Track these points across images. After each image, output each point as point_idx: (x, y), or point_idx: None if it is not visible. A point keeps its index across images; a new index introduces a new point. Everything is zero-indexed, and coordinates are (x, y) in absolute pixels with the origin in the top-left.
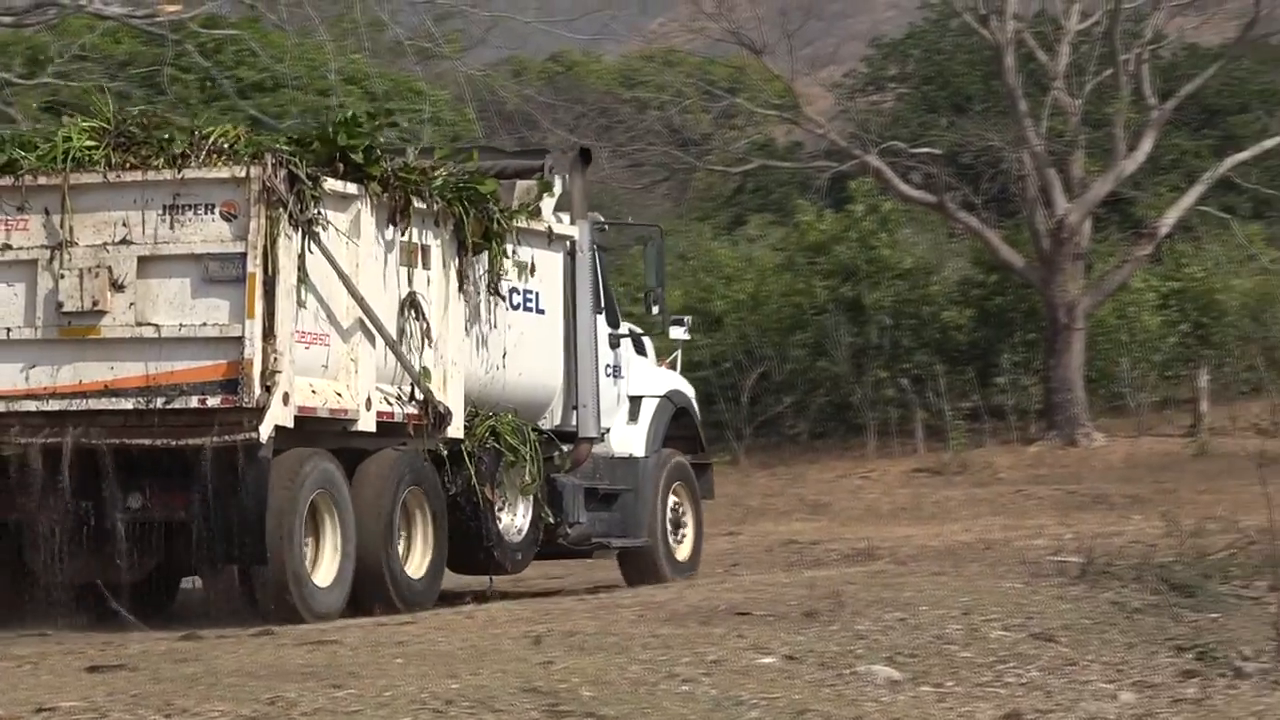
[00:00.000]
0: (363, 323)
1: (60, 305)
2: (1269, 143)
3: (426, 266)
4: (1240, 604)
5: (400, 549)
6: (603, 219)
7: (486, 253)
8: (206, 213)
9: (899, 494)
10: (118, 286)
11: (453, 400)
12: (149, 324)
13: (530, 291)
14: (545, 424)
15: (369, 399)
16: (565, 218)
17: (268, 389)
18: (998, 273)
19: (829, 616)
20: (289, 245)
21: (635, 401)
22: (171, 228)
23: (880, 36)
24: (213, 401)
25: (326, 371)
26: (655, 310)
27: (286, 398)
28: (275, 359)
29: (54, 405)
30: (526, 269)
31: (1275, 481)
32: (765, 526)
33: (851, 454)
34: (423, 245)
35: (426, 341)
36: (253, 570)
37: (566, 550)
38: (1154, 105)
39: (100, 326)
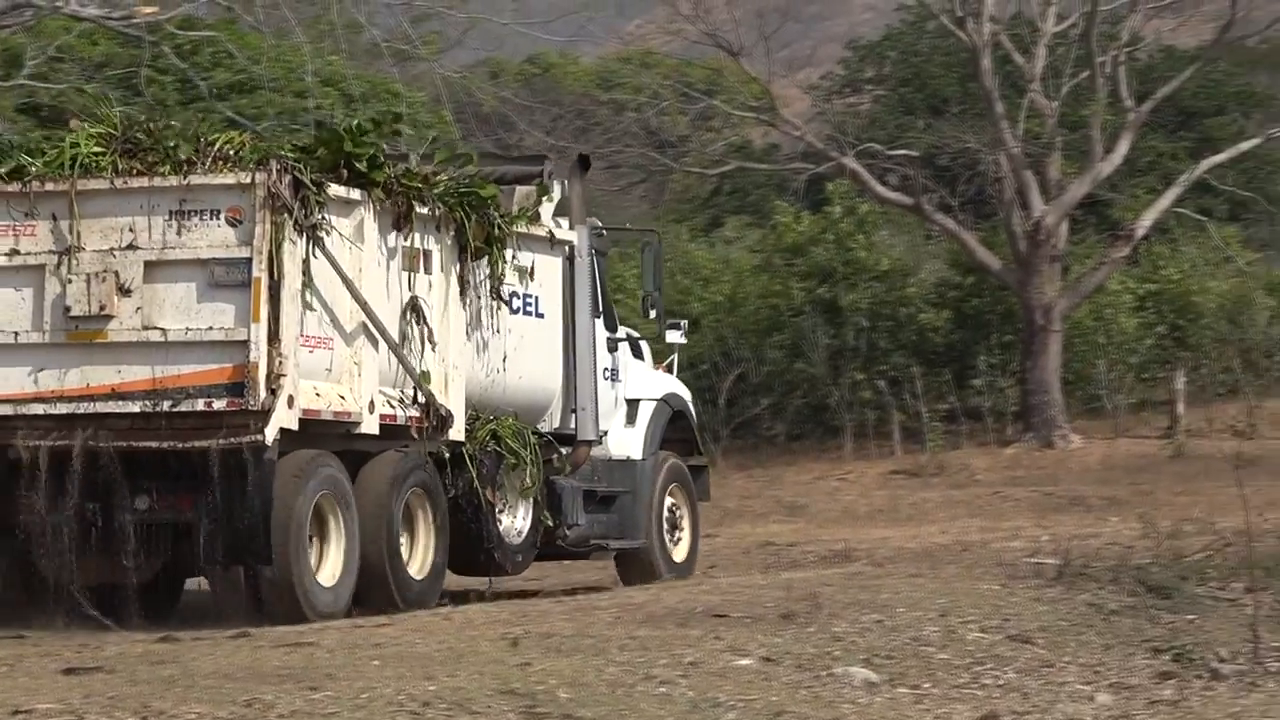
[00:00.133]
0: (366, 327)
1: (68, 309)
2: (1245, 145)
3: (428, 271)
4: (1217, 606)
5: (403, 550)
6: (601, 224)
7: (487, 257)
8: (212, 218)
9: (876, 496)
10: (124, 291)
11: (454, 403)
12: (155, 328)
13: (530, 296)
14: (544, 427)
15: (372, 402)
16: (564, 223)
17: (273, 392)
18: (974, 274)
19: (806, 618)
20: (294, 250)
21: (633, 405)
22: (178, 233)
23: (857, 39)
24: (219, 404)
25: (330, 375)
26: (652, 314)
27: (291, 400)
28: (280, 362)
29: (62, 408)
30: (526, 274)
31: (1251, 483)
32: (742, 528)
33: (828, 456)
34: (424, 250)
35: (428, 345)
36: (258, 570)
37: (565, 552)
38: (1131, 107)
39: (107, 330)
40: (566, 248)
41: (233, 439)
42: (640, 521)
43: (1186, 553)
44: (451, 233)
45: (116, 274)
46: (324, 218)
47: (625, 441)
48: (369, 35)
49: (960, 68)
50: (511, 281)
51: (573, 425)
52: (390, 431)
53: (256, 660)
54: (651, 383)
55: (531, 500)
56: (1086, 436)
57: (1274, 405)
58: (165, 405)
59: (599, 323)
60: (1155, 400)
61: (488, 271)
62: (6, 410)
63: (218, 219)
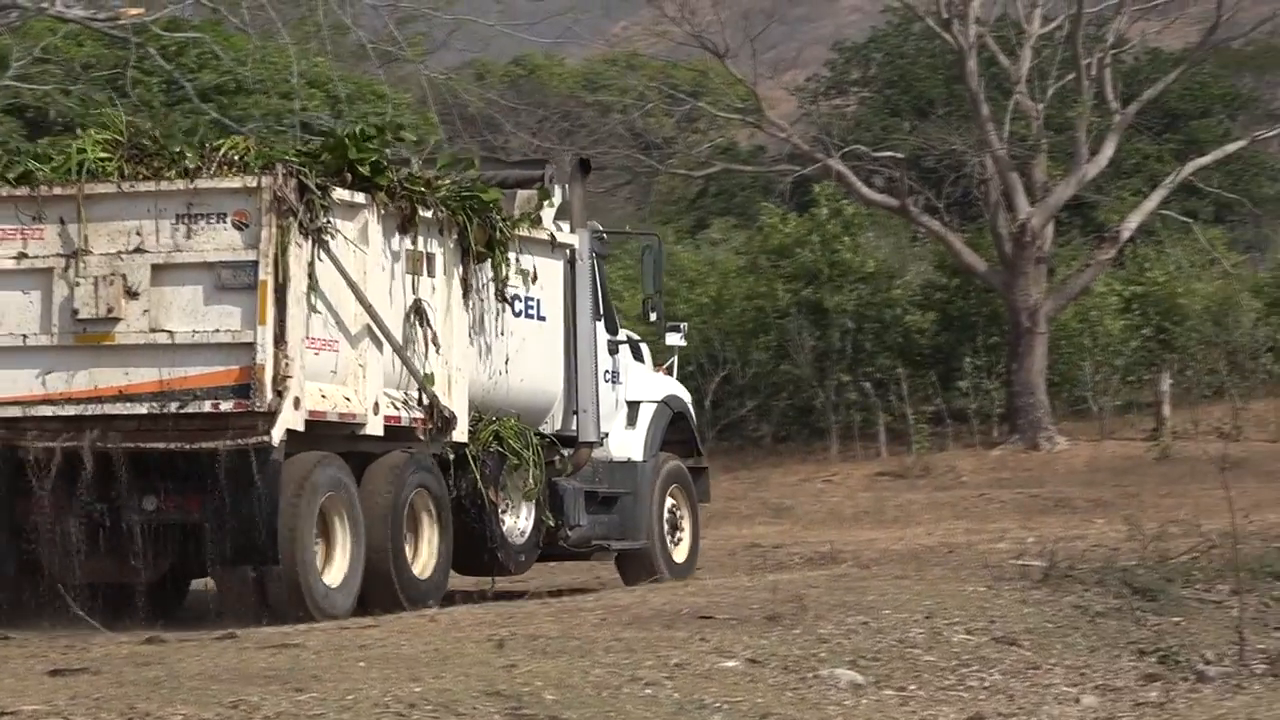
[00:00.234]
0: (370, 329)
1: (76, 312)
2: (1231, 147)
3: (431, 274)
4: (1203, 608)
5: (407, 550)
6: (601, 227)
7: (490, 261)
8: (219, 222)
9: (862, 497)
10: (132, 294)
11: (457, 405)
12: (163, 330)
13: (532, 299)
14: (546, 428)
15: (377, 404)
16: (565, 226)
17: (279, 394)
18: (960, 276)
19: (792, 620)
20: (299, 253)
21: (633, 406)
22: (185, 236)
23: (843, 40)
24: (226, 406)
25: (335, 377)
26: (653, 317)
27: (297, 402)
28: (286, 364)
29: (70, 410)
30: (528, 277)
31: (1237, 485)
32: (728, 530)
33: (814, 457)
34: (428, 253)
35: (432, 347)
36: (265, 570)
37: (567, 552)
38: (1116, 109)
39: (115, 333)
40: (568, 251)
41: (239, 440)
42: (641, 522)
43: (1172, 555)
44: (454, 236)
45: (124, 277)
46: (329, 221)
47: (626, 443)
48: (355, 37)
49: (946, 69)
50: (514, 284)
51: (574, 427)
52: (394, 433)
53: (242, 662)
54: (652, 385)
55: (534, 501)
56: (1072, 438)
57: (1259, 407)
58: (172, 407)
59: (600, 325)
60: (1141, 402)
61: (490, 275)
62: (15, 412)
63: (224, 223)
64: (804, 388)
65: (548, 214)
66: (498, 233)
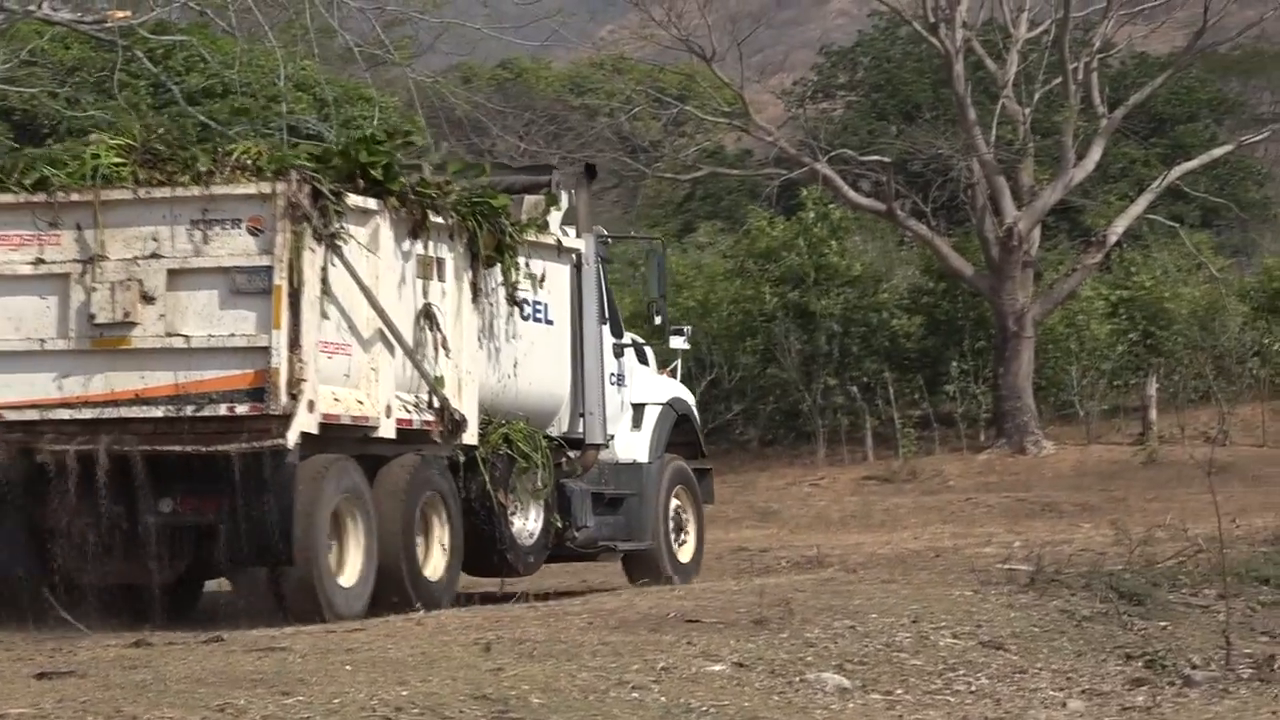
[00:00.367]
0: (382, 333)
1: (92, 317)
2: (1217, 151)
3: (442, 279)
4: (1189, 612)
5: (419, 552)
6: (606, 232)
7: (498, 265)
8: (233, 227)
9: (848, 501)
10: (148, 299)
11: (467, 408)
12: (179, 335)
13: (540, 303)
14: (553, 431)
15: (389, 407)
16: (571, 231)
17: (294, 397)
18: (947, 280)
19: (779, 624)
20: (313, 258)
21: (638, 409)
22: (201, 242)
23: (830, 44)
24: (241, 409)
25: (348, 380)
26: (658, 320)
27: (311, 405)
28: (300, 368)
29: (87, 413)
30: (536, 281)
31: (1224, 489)
32: (715, 534)
33: (801, 461)
34: (438, 258)
35: (442, 351)
36: (280, 571)
37: (574, 553)
38: (1103, 114)
39: (131, 337)
40: (574, 255)
41: (255, 443)
42: (647, 523)
43: (1159, 559)
44: (464, 241)
45: (140, 282)
46: (342, 227)
47: (632, 445)
48: (341, 40)
49: (933, 73)
50: (523, 288)
51: (581, 429)
52: (406, 436)
53: (229, 665)
54: (656, 387)
55: (543, 503)
56: (1059, 442)
57: (1246, 411)
58: (188, 410)
59: (605, 328)
60: (1128, 406)
61: (499, 279)
62: (33, 415)
63: (239, 228)
64: (791, 391)
65: (554, 219)
66: (507, 238)
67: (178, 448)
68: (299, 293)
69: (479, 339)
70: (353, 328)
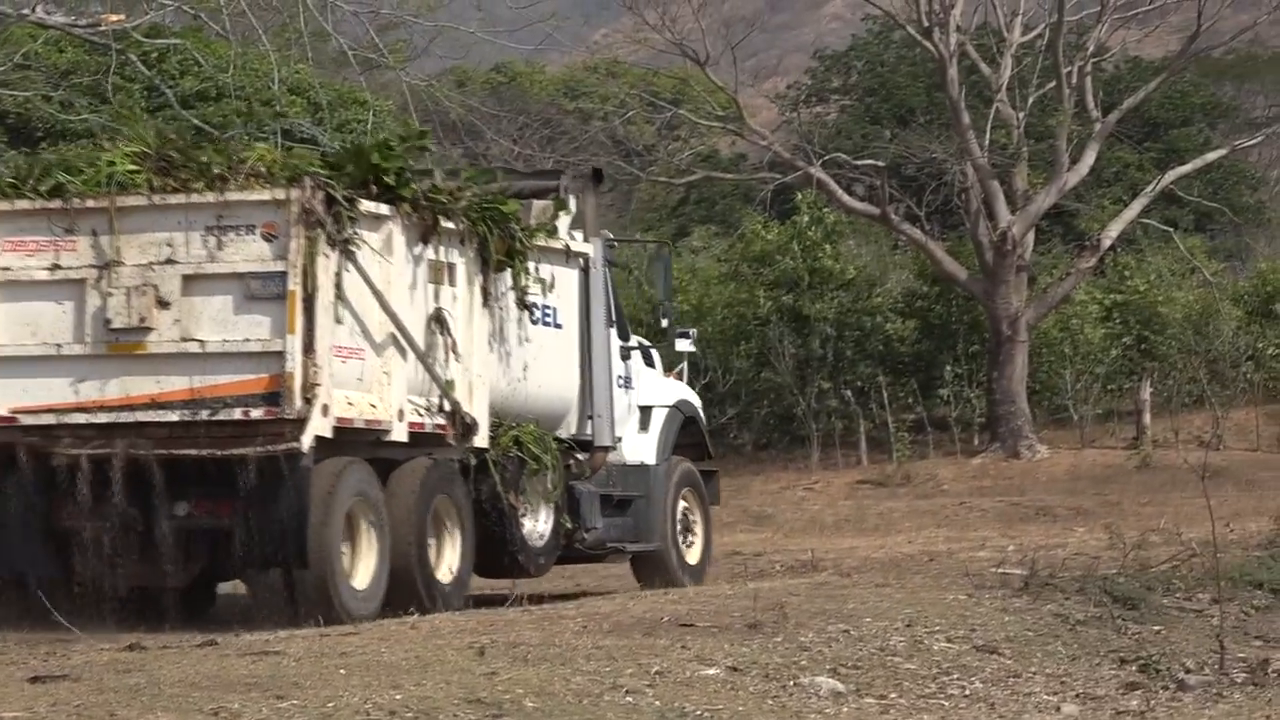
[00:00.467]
0: (395, 337)
1: (108, 322)
2: (1211, 156)
3: (453, 283)
4: (1183, 616)
5: (431, 554)
6: (612, 236)
7: (509, 270)
8: (248, 233)
9: (842, 505)
10: (163, 304)
11: (478, 411)
12: (194, 339)
13: (549, 307)
14: (562, 433)
15: (401, 410)
16: (579, 235)
17: (308, 401)
18: (941, 284)
19: (773, 628)
20: (327, 264)
21: (645, 411)
22: (217, 247)
23: (824, 48)
24: (256, 413)
25: (361, 384)
26: (664, 323)
27: (326, 409)
28: (315, 372)
29: (103, 418)
30: (546, 285)
31: (1217, 494)
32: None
33: (795, 465)
34: (449, 263)
35: (453, 355)
36: (294, 574)
37: (583, 554)
38: (1097, 118)
39: (147, 342)
40: (581, 259)
41: (269, 447)
42: (655, 525)
43: (1153, 563)
44: (475, 246)
45: (156, 287)
46: (355, 232)
47: (639, 447)
48: (335, 44)
49: (927, 78)
50: (533, 292)
51: (589, 432)
52: (418, 439)
53: (223, 669)
54: (663, 389)
55: (553, 504)
56: (1053, 447)
57: (1239, 416)
58: (203, 414)
59: (613, 332)
60: (1121, 411)
61: (509, 283)
62: (49, 419)
63: (253, 234)
64: (785, 395)
65: (563, 224)
66: (517, 242)
67: (193, 451)
68: (313, 298)
69: (489, 343)
70: (366, 332)
